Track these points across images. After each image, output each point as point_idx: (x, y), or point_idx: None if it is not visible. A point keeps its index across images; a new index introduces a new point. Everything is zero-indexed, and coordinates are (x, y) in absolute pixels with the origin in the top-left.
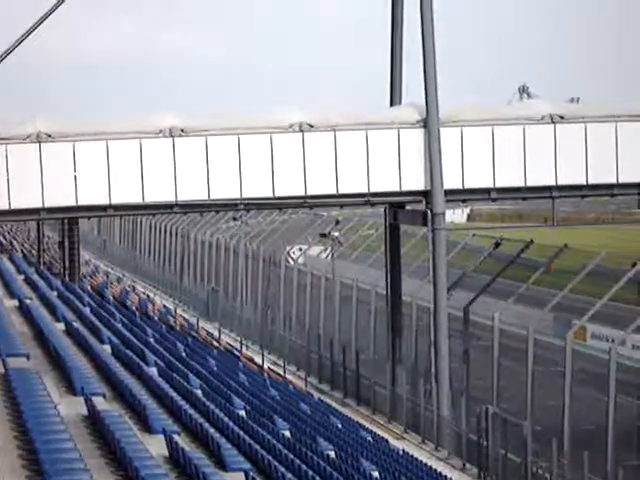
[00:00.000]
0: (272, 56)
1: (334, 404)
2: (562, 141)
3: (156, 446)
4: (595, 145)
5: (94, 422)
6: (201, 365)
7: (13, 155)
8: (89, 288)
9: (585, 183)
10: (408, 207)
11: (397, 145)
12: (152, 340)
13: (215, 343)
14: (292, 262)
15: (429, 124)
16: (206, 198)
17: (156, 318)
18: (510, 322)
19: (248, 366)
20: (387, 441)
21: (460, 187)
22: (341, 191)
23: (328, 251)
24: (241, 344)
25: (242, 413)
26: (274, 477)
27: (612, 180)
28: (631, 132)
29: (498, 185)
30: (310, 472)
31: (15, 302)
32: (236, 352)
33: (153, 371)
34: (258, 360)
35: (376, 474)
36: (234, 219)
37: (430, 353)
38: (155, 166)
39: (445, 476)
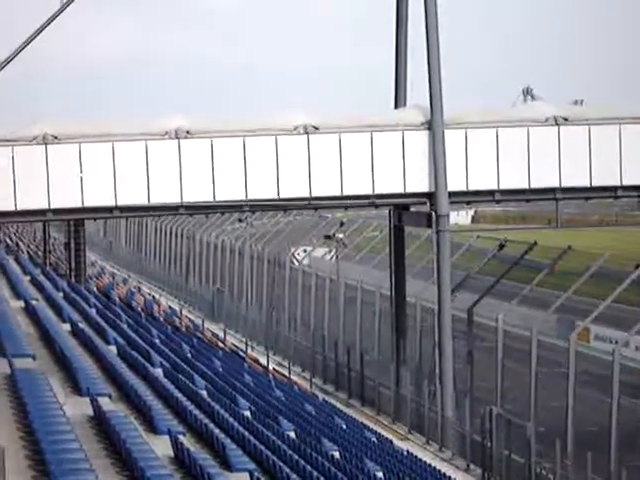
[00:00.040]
0: (272, 56)
1: (339, 405)
2: (566, 143)
3: (161, 446)
4: (599, 147)
5: (100, 422)
6: (206, 366)
7: (19, 157)
8: (95, 289)
9: (589, 185)
10: (412, 209)
11: (402, 147)
12: (157, 341)
13: (220, 344)
14: (297, 263)
15: (433, 126)
16: (211, 200)
17: (161, 319)
18: (514, 323)
19: (253, 367)
20: (391, 442)
21: (464, 189)
22: (346, 193)
23: (333, 252)
24: (246, 345)
25: (247, 414)
26: (279, 477)
27: (616, 182)
28: (635, 134)
29: (502, 187)
30: (315, 473)
31: (21, 303)
32: (241, 353)
33: (158, 372)
34: (263, 361)
35: (380, 475)
36: (239, 221)
37: (434, 354)
38: (161, 168)
39: (449, 477)
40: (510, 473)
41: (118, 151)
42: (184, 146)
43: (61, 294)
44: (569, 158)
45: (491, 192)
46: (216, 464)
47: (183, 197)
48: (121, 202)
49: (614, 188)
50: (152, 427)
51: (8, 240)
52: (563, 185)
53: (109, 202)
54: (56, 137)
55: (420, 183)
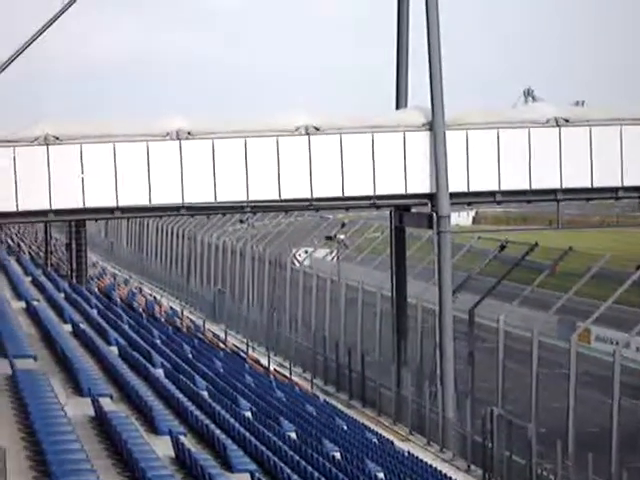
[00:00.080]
0: (274, 57)
1: (340, 406)
2: (567, 144)
3: (162, 447)
4: (600, 148)
5: (101, 423)
6: (207, 367)
7: (21, 157)
8: (96, 290)
9: (590, 186)
10: (414, 210)
11: (403, 148)
12: (159, 342)
13: (221, 345)
14: (298, 264)
15: (435, 127)
16: (213, 201)
17: (163, 320)
18: (515, 324)
19: (254, 368)
20: (392, 443)
21: (465, 190)
22: (347, 194)
23: (334, 253)
24: (247, 346)
25: (248, 414)
26: (280, 478)
27: (617, 183)
28: (636, 135)
29: (503, 188)
30: (316, 473)
31: (22, 304)
32: (242, 354)
33: (160, 372)
34: (264, 362)
35: (381, 475)
36: (240, 221)
37: (435, 355)
38: (162, 168)
39: (450, 478)
40: (511, 474)
41: (119, 152)
42: (185, 147)
43: (62, 295)
44: (570, 159)
45: (492, 193)
46: (217, 465)
47: (184, 198)
48: (122, 203)
49: (615, 189)
50: (153, 428)
51: (10, 241)
52: (564, 186)
53: (110, 203)
54: (57, 138)
55: (421, 184)
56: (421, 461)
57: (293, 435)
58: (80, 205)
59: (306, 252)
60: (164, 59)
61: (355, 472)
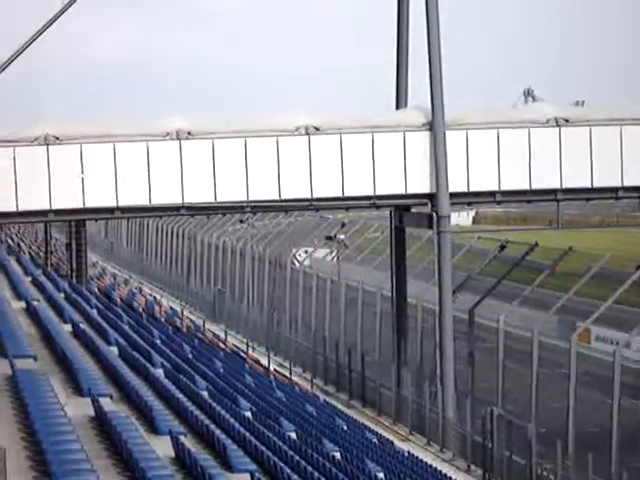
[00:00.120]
0: (274, 57)
1: (340, 406)
2: (567, 144)
3: (162, 447)
4: (600, 148)
5: (101, 423)
6: (207, 367)
7: (21, 157)
8: (96, 290)
9: (590, 186)
10: (414, 210)
11: (403, 148)
12: (159, 342)
13: (221, 345)
14: (298, 264)
15: (435, 127)
16: (213, 201)
17: (163, 320)
18: (515, 324)
19: (254, 368)
20: (392, 443)
21: (465, 190)
22: (347, 194)
23: (334, 253)
24: (247, 346)
25: (248, 414)
26: (280, 478)
27: (617, 183)
28: (636, 135)
29: (503, 188)
30: (316, 473)
31: (22, 304)
32: (242, 354)
33: (159, 372)
34: (264, 362)
35: (381, 475)
36: (241, 221)
37: (435, 355)
38: (162, 168)
39: (450, 478)
40: (511, 474)
41: (119, 152)
42: (185, 147)
43: (62, 295)
44: (570, 159)
45: (492, 193)
46: (217, 465)
47: (184, 198)
48: (122, 203)
49: (615, 189)
50: (153, 428)
51: (10, 241)
52: (564, 186)
53: (110, 203)
54: (57, 138)
55: (421, 184)
56: (421, 461)
57: (293, 435)
58: (80, 205)
59: (306, 252)
60: (164, 59)
61: (355, 472)
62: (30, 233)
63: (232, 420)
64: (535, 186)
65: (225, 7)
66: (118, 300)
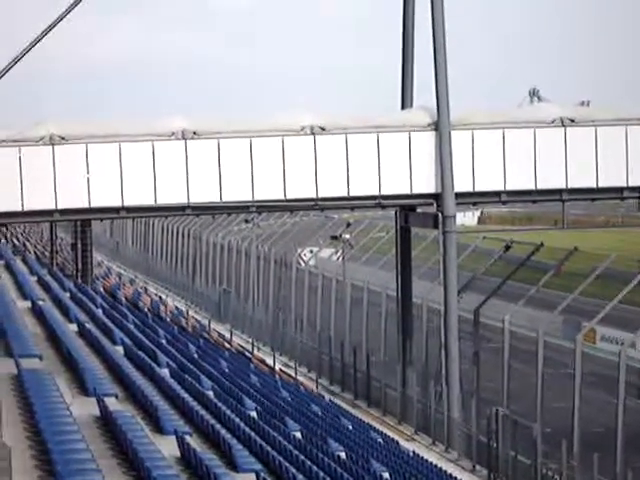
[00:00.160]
0: (275, 57)
1: (345, 405)
2: (572, 144)
3: (168, 447)
4: (605, 148)
5: (106, 423)
6: (213, 366)
7: (26, 157)
8: (102, 289)
9: (595, 186)
10: (419, 210)
11: (408, 148)
12: (164, 341)
13: (227, 344)
14: (303, 264)
15: (440, 127)
16: (218, 200)
17: (168, 319)
18: (520, 324)
19: (259, 367)
20: (397, 442)
21: (471, 190)
22: (352, 193)
23: (339, 253)
24: (252, 345)
25: (253, 414)
26: (285, 478)
27: (622, 183)
28: None
29: (508, 188)
30: (321, 473)
31: (28, 303)
32: (247, 353)
33: (165, 372)
34: (269, 361)
35: (386, 475)
36: (246, 221)
37: (440, 355)
38: (167, 168)
39: (455, 477)
40: (516, 474)
41: (125, 152)
42: (191, 147)
43: (68, 294)
44: (575, 159)
45: (497, 193)
46: (222, 464)
47: (190, 198)
48: (128, 203)
49: (620, 189)
50: (158, 427)
51: (15, 240)
52: (569, 186)
53: (116, 203)
54: (63, 138)
55: (426, 184)
56: (426, 461)
57: (298, 435)
58: (85, 205)
59: (311, 252)
60: (164, 59)
61: (360, 472)
62: (36, 233)
63: (237, 420)
64: (540, 186)
65: (225, 7)
66: (123, 300)
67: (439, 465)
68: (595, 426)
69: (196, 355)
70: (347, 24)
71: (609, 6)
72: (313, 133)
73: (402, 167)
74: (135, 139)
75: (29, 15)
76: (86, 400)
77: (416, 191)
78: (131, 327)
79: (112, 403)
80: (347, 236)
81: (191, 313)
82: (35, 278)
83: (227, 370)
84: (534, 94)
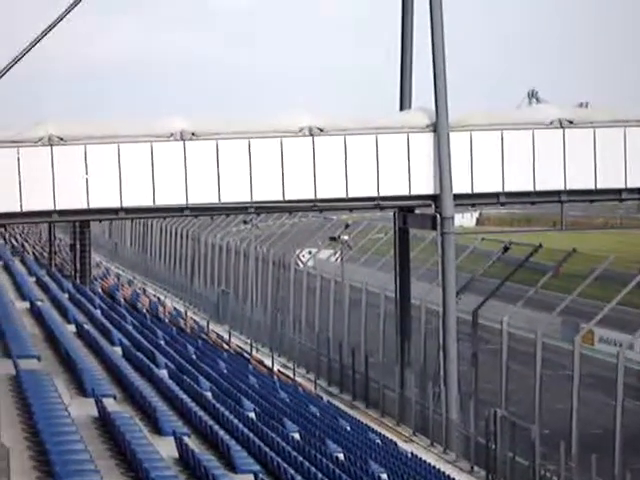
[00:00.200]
0: (274, 57)
1: (343, 407)
2: (571, 146)
3: (166, 448)
4: (604, 150)
5: (104, 423)
6: (211, 367)
7: (25, 158)
8: (100, 290)
9: (594, 188)
10: (417, 211)
11: (407, 149)
12: (162, 342)
13: (225, 346)
14: (302, 265)
15: (439, 128)
16: (217, 201)
17: (166, 320)
18: (518, 326)
19: (258, 369)
20: (396, 444)
21: (469, 191)
22: (351, 195)
23: (338, 254)
24: (251, 347)
25: (252, 415)
26: (283, 479)
27: (620, 185)
28: None
29: (507, 189)
30: (319, 474)
31: (26, 304)
32: (246, 355)
33: (163, 373)
34: (268, 363)
35: (385, 476)
36: (244, 222)
37: (439, 356)
38: (166, 169)
39: (453, 479)
40: (514, 475)
41: (124, 152)
42: (189, 148)
43: (66, 295)
44: (574, 161)
45: (496, 194)
46: (221, 465)
47: (188, 199)
48: (126, 204)
49: (619, 191)
50: (157, 428)
51: (14, 241)
52: (568, 188)
53: (114, 203)
54: (62, 138)
55: (425, 185)
56: (424, 462)
57: (297, 436)
58: (84, 206)
59: (310, 253)
60: (164, 59)
61: (358, 473)
62: (34, 233)
63: (236, 421)
64: (539, 187)
65: (225, 7)
66: (122, 300)
67: (437, 466)
68: (593, 428)
69: (194, 356)
70: (346, 24)
71: (609, 7)
72: (312, 134)
73: (401, 168)
74: (134, 140)
75: (29, 15)
76: (84, 401)
77: (415, 192)
78: (129, 328)
79: (110, 404)
80: (346, 237)
81: (189, 314)
82: (33, 279)
83: (225, 371)
84: (533, 95)
